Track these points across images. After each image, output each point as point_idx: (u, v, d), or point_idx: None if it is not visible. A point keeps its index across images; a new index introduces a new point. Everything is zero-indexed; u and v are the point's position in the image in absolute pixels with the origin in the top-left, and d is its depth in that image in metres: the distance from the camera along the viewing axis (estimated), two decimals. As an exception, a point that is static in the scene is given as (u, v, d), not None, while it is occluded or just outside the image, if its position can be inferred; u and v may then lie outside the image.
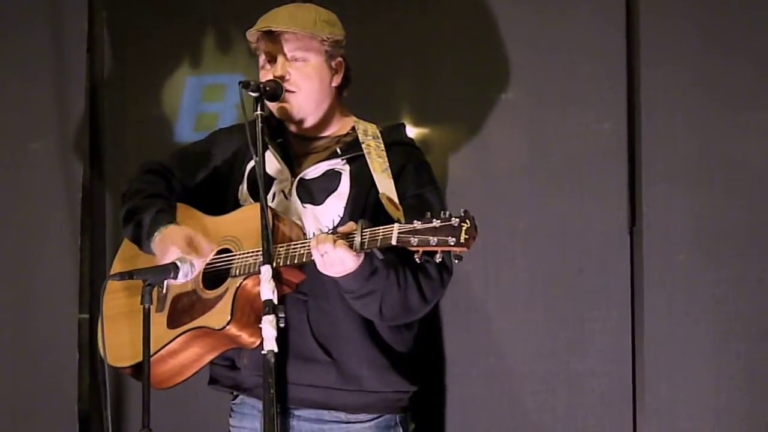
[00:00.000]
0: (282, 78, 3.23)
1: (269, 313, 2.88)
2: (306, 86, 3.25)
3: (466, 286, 3.85)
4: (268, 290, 2.90)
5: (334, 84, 3.31)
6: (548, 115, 3.94)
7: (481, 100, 3.99)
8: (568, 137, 3.93)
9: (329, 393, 3.19)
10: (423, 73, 4.05)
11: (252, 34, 3.29)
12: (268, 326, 2.87)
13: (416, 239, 2.85)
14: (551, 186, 3.93)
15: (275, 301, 2.89)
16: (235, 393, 3.35)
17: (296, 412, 3.23)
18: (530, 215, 3.93)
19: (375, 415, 3.25)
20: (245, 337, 3.08)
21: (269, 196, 3.27)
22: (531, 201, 3.94)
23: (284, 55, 3.24)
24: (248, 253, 3.10)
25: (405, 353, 3.29)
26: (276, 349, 2.87)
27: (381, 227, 2.92)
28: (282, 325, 2.89)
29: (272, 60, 3.27)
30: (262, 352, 2.88)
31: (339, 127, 3.35)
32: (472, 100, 4.00)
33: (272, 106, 3.27)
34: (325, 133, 3.34)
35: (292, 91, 3.24)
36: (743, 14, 3.86)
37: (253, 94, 3.15)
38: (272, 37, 3.25)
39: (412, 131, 3.98)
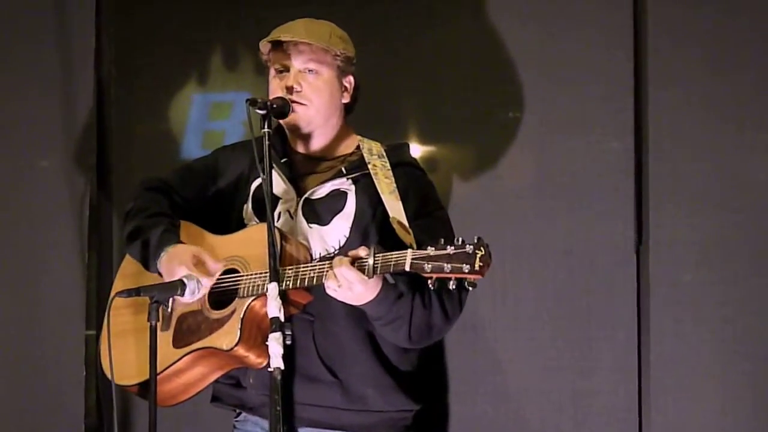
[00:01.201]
0: (292, 89, 3.21)
1: (276, 331, 2.88)
2: (317, 100, 3.24)
3: (472, 304, 3.80)
4: (275, 308, 2.91)
5: (343, 101, 3.31)
6: (555, 134, 3.95)
7: (488, 119, 4.00)
8: (576, 157, 3.93)
9: (334, 413, 3.18)
10: (430, 92, 4.06)
11: (265, 45, 3.28)
12: (275, 343, 2.88)
13: (430, 266, 2.85)
14: (558, 205, 3.93)
15: (282, 319, 2.90)
16: (238, 410, 3.34)
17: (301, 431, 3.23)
18: (537, 234, 3.93)
19: (379, 435, 3.25)
20: (252, 358, 3.07)
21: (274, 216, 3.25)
22: (538, 220, 3.94)
23: (297, 66, 3.23)
24: (257, 274, 3.09)
25: (410, 372, 3.29)
26: (282, 366, 2.88)
27: (394, 252, 2.91)
28: (289, 342, 2.90)
29: (284, 70, 3.25)
30: (269, 369, 2.89)
31: (345, 146, 3.34)
32: (479, 120, 4.00)
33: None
34: (331, 153, 3.32)
35: (303, 104, 3.23)
36: (750, 35, 3.87)
37: (261, 112, 3.13)
38: (286, 47, 3.24)
39: (418, 150, 3.99)
